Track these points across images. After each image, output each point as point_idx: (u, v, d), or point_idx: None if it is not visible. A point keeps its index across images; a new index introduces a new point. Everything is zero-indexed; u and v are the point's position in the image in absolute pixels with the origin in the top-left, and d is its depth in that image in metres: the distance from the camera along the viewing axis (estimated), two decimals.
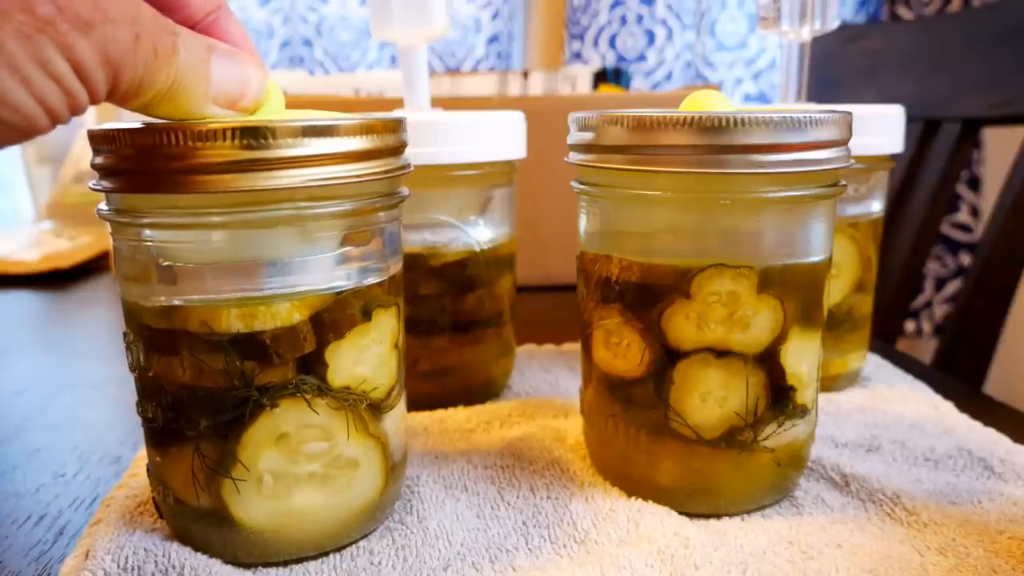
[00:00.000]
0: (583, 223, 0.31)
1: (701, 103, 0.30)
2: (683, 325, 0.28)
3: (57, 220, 0.94)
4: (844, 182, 0.29)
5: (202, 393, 0.25)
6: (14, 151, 1.11)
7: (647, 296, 0.28)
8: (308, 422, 0.25)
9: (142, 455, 0.35)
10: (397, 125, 0.27)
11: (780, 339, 0.28)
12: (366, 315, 0.26)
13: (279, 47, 1.38)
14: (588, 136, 0.29)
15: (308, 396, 0.25)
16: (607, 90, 0.83)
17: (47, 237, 0.85)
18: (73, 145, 0.99)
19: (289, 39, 1.38)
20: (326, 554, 0.27)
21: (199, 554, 0.26)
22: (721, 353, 0.27)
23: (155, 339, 0.25)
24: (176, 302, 0.25)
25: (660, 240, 0.29)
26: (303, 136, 0.23)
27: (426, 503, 0.30)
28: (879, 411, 0.39)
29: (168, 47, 0.21)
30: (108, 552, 0.26)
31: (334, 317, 0.25)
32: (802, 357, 0.29)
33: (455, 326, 0.39)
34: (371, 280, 0.26)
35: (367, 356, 0.26)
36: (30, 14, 0.18)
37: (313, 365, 0.25)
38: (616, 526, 0.28)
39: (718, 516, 0.29)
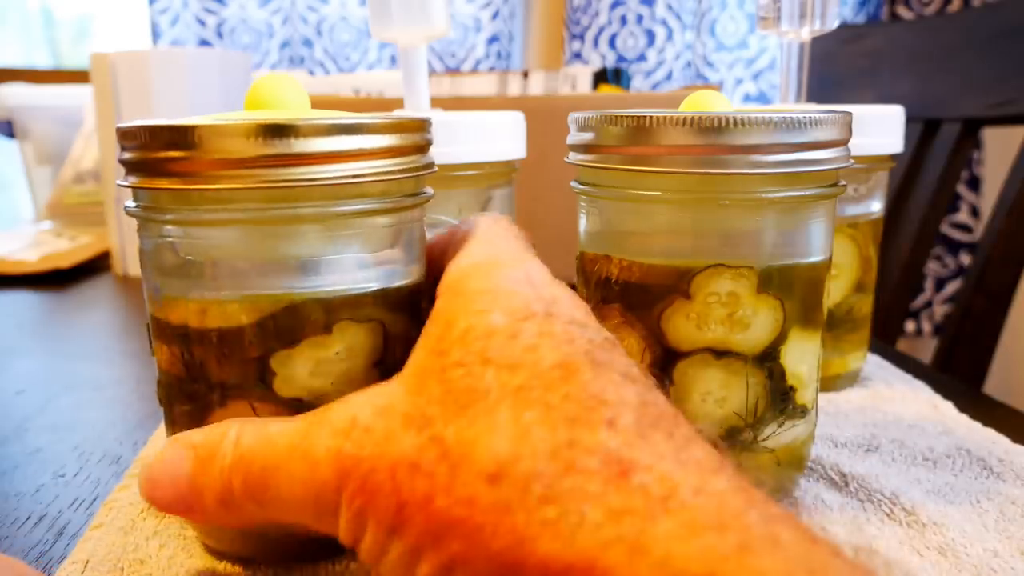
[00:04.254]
0: (583, 223, 0.31)
1: (701, 103, 0.30)
2: (683, 325, 0.28)
3: (57, 220, 0.95)
4: (844, 182, 0.29)
5: (170, 380, 0.25)
6: (14, 151, 1.11)
7: (647, 296, 0.28)
8: None
9: (142, 455, 0.35)
10: (423, 124, 0.27)
11: (780, 339, 0.28)
12: (326, 328, 0.24)
13: (279, 47, 1.39)
14: (588, 136, 0.29)
15: (254, 401, 0.24)
16: (607, 90, 0.83)
17: (47, 237, 0.85)
18: (73, 145, 0.99)
19: (289, 39, 1.39)
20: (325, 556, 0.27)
21: (198, 562, 0.26)
22: (721, 353, 0.27)
23: (152, 327, 0.26)
24: (167, 294, 0.25)
25: (660, 240, 0.29)
26: (330, 134, 0.23)
27: None
28: (878, 411, 0.39)
29: None
30: (107, 563, 0.26)
31: (280, 324, 0.24)
32: (802, 357, 0.29)
33: None
34: (348, 289, 0.25)
35: (327, 369, 0.24)
36: None
37: (261, 371, 0.24)
38: None
39: None
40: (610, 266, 0.29)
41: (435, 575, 0.17)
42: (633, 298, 0.28)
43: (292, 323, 0.24)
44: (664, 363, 0.28)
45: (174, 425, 0.26)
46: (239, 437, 0.21)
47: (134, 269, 0.76)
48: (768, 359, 0.28)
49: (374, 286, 0.25)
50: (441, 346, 0.20)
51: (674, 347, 0.28)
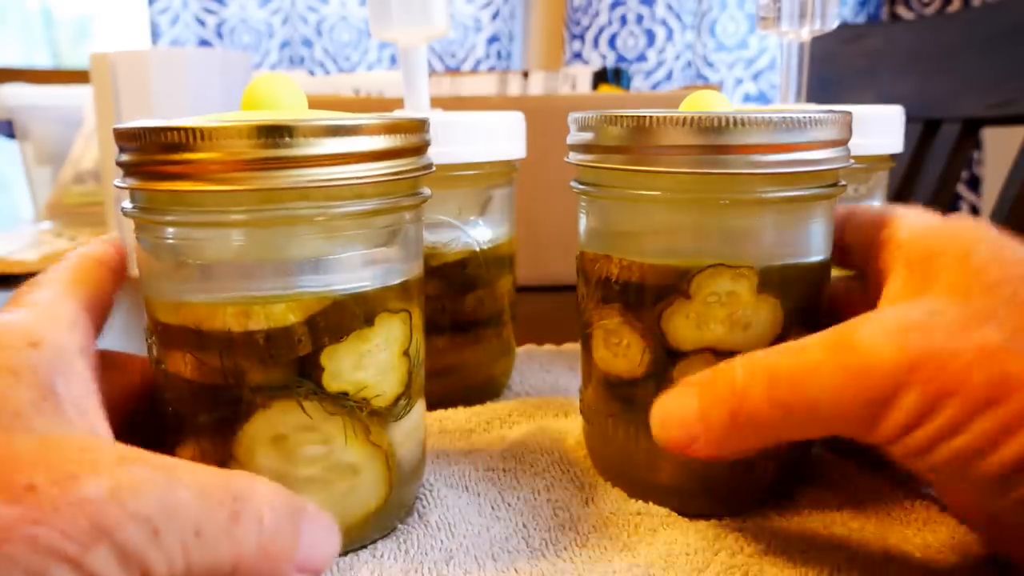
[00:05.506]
0: (583, 223, 0.31)
1: (701, 103, 0.30)
2: (683, 325, 0.28)
3: (57, 220, 0.94)
4: (844, 182, 0.29)
5: (201, 389, 0.25)
6: (14, 151, 1.11)
7: (647, 296, 0.28)
8: (302, 424, 0.25)
9: None
10: (421, 125, 0.27)
11: (780, 339, 0.28)
12: (368, 320, 0.26)
13: (279, 47, 1.39)
14: (588, 136, 0.29)
15: (301, 399, 0.25)
16: (607, 90, 0.83)
17: (47, 237, 0.85)
18: (73, 145, 0.99)
19: (289, 39, 1.39)
20: None
21: None
22: (721, 353, 0.27)
23: (163, 334, 0.26)
24: (180, 298, 0.25)
25: (660, 240, 0.29)
26: (327, 135, 0.23)
27: (426, 503, 0.30)
28: None
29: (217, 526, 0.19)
30: None
31: (330, 320, 0.25)
32: None
33: (455, 326, 0.39)
34: (374, 284, 0.26)
35: (368, 362, 0.26)
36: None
37: (308, 368, 0.25)
38: (617, 529, 0.28)
39: (719, 517, 0.29)
40: (610, 266, 0.29)
41: None
42: (633, 298, 0.28)
43: (340, 318, 0.25)
44: (664, 363, 0.28)
45: (199, 436, 0.25)
46: (748, 360, 0.24)
47: (134, 269, 0.76)
48: None
49: (399, 279, 0.27)
50: (969, 269, 0.23)
51: (674, 347, 0.28)
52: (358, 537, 0.27)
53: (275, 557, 0.19)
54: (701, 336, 0.27)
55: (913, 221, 0.27)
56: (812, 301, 0.29)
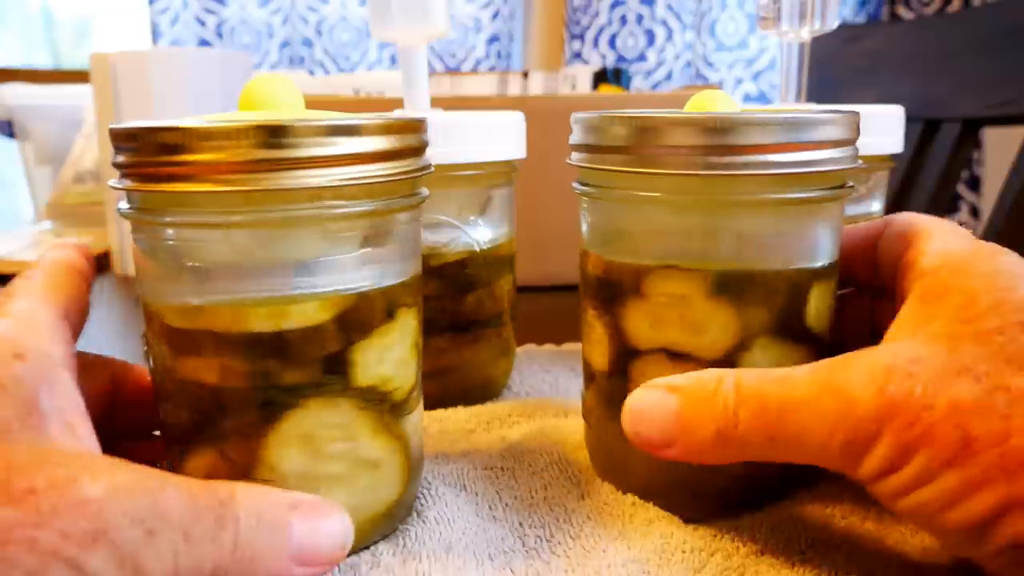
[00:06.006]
0: (583, 222, 0.31)
1: (706, 103, 0.30)
2: (639, 324, 0.28)
3: (57, 220, 0.94)
4: (851, 183, 0.28)
5: (227, 393, 0.24)
6: (14, 151, 1.11)
7: (610, 293, 0.28)
8: (332, 422, 0.25)
9: None
10: (419, 125, 0.27)
11: (741, 347, 0.27)
12: (390, 314, 0.26)
13: (279, 47, 1.39)
14: (590, 137, 0.29)
15: (332, 396, 0.25)
16: (607, 90, 0.83)
17: (47, 237, 0.85)
18: (73, 145, 0.99)
19: (289, 39, 1.39)
20: None
21: None
22: (676, 355, 0.27)
23: (178, 340, 0.25)
24: (199, 302, 0.24)
25: (631, 240, 0.29)
26: (324, 136, 0.23)
27: (425, 502, 0.30)
28: None
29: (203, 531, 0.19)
30: None
31: (359, 316, 0.25)
32: (770, 367, 0.27)
33: (455, 326, 0.39)
34: (393, 280, 0.26)
35: (390, 356, 0.26)
36: None
37: (338, 365, 0.25)
38: (615, 530, 0.28)
39: (715, 518, 0.29)
40: (589, 263, 0.29)
41: (995, 508, 0.20)
42: (603, 294, 0.29)
43: (366, 314, 0.25)
44: (623, 359, 0.28)
45: (220, 441, 0.25)
46: (739, 380, 0.24)
47: (134, 269, 0.76)
48: (728, 365, 0.27)
49: (411, 274, 0.27)
50: (967, 315, 0.22)
51: (632, 345, 0.28)
52: (371, 534, 0.27)
53: (250, 560, 0.20)
54: (655, 336, 0.27)
55: (940, 246, 0.26)
56: (789, 309, 0.27)
